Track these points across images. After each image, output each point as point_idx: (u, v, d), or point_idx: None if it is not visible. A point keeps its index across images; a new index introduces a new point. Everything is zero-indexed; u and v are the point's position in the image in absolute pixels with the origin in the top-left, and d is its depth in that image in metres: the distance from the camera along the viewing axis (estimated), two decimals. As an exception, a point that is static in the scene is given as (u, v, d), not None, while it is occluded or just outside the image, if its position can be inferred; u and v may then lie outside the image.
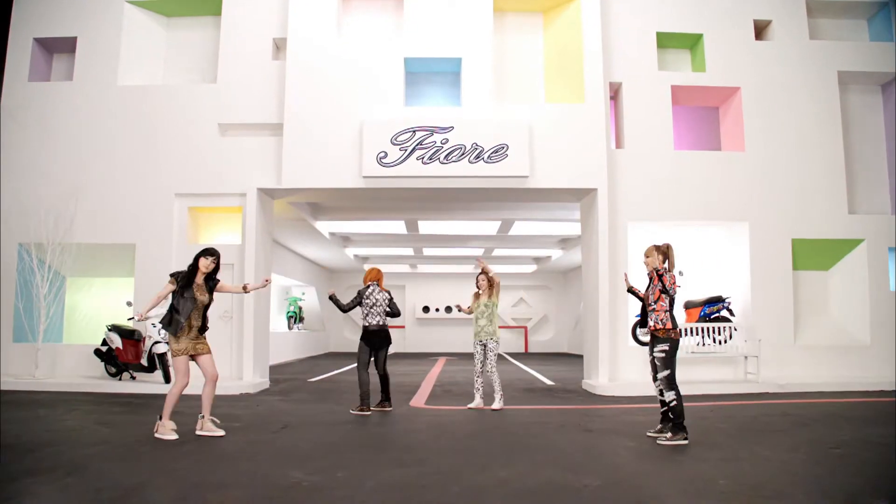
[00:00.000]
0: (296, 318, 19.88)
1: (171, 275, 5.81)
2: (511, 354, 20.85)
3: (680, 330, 5.75)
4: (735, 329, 9.71)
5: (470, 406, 7.72)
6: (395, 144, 9.41)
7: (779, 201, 10.16)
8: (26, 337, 9.63)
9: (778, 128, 10.32)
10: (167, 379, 9.02)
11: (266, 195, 10.12)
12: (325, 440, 5.60)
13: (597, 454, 5.12)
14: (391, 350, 7.99)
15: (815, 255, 10.36)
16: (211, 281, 5.87)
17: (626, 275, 6.54)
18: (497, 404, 7.60)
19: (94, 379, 9.47)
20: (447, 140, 9.43)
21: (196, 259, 5.82)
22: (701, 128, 11.28)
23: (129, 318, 9.48)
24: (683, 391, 8.76)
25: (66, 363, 9.86)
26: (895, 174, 10.57)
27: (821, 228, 10.18)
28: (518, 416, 7.10)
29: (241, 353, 9.56)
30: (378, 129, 9.46)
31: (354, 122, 9.64)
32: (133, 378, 9.48)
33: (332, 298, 7.57)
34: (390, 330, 7.60)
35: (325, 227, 14.59)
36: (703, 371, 9.81)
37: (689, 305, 10.23)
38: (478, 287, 7.78)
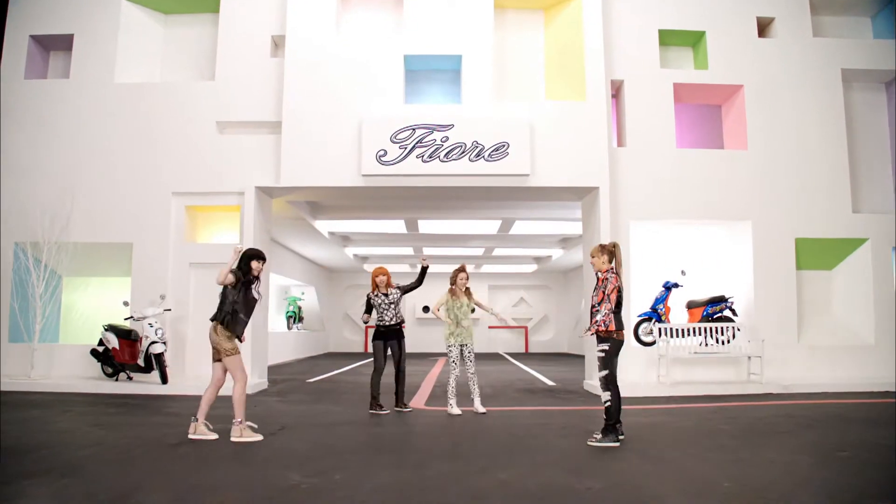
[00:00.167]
0: (295, 317, 19.80)
1: (233, 270, 5.57)
2: (511, 354, 20.77)
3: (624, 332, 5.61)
4: (738, 329, 9.62)
5: (452, 413, 7.11)
6: (394, 142, 9.32)
7: (782, 200, 10.07)
8: (22, 337, 9.53)
9: (781, 126, 10.23)
10: (164, 380, 8.92)
11: (264, 194, 10.03)
12: (323, 442, 5.52)
13: (599, 456, 5.04)
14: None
15: (818, 254, 10.27)
16: (256, 282, 5.80)
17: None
18: (480, 408, 7.26)
19: (90, 379, 9.38)
20: (447, 138, 9.34)
21: (248, 262, 5.65)
22: (703, 126, 11.18)
23: (126, 318, 9.39)
24: (686, 391, 8.80)
25: (62, 363, 9.76)
26: (899, 173, 10.50)
27: (824, 227, 10.09)
28: (519, 418, 7.01)
29: (238, 354, 9.44)
30: (377, 127, 9.36)
31: (353, 120, 9.54)
32: (130, 378, 9.38)
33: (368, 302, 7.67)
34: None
35: (324, 226, 14.50)
36: (705, 371, 9.72)
37: (691, 305, 10.14)
38: (455, 284, 7.27)
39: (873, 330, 9.94)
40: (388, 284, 7.54)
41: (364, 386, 10.10)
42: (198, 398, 8.20)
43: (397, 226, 14.83)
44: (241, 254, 5.69)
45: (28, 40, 10.29)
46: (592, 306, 5.62)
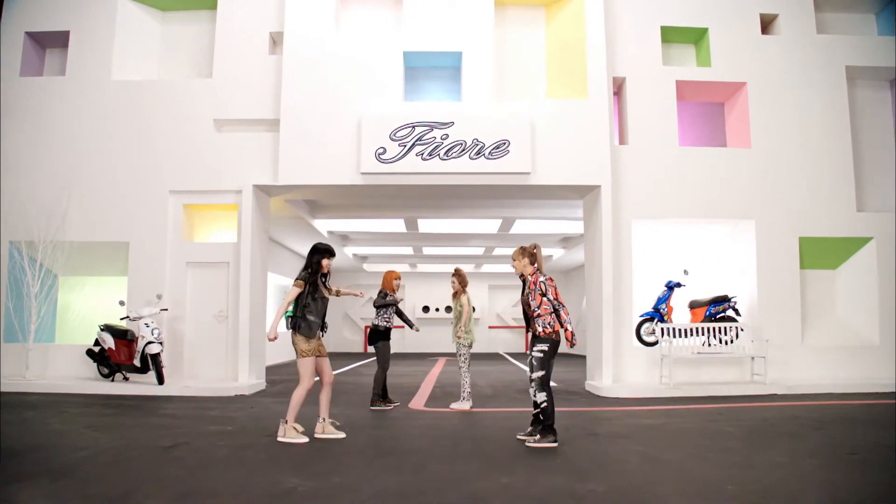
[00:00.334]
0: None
1: (298, 278, 5.57)
2: (511, 354, 20.67)
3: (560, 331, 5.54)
4: (742, 329, 9.51)
5: (464, 409, 7.51)
6: (393, 140, 9.21)
7: (785, 199, 9.96)
8: (17, 337, 9.43)
9: (784, 124, 10.12)
10: (160, 380, 8.81)
11: (262, 192, 9.93)
12: (320, 444, 5.41)
13: (602, 459, 4.95)
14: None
15: (822, 253, 10.16)
16: (325, 278, 5.74)
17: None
18: (458, 403, 7.61)
19: (86, 380, 9.28)
20: (447, 136, 9.23)
21: (317, 259, 5.62)
22: (706, 124, 11.08)
23: (122, 318, 9.28)
24: (689, 392, 8.70)
25: (57, 364, 9.67)
26: (904, 171, 10.39)
27: (828, 226, 9.98)
28: (520, 419, 6.89)
29: (236, 354, 9.36)
30: (376, 125, 9.26)
31: (352, 117, 9.44)
32: (126, 379, 9.28)
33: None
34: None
35: (323, 225, 14.39)
36: (708, 372, 9.62)
37: (694, 305, 10.04)
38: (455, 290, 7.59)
39: (877, 330, 9.83)
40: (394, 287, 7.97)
41: (363, 386, 9.99)
42: (194, 399, 8.19)
43: (397, 225, 14.72)
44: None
45: (24, 37, 10.19)
46: (531, 311, 5.49)
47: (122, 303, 9.45)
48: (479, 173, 9.28)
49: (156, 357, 8.81)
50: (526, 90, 10.17)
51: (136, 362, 8.94)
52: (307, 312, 5.53)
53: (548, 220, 13.90)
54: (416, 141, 9.21)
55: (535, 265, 5.59)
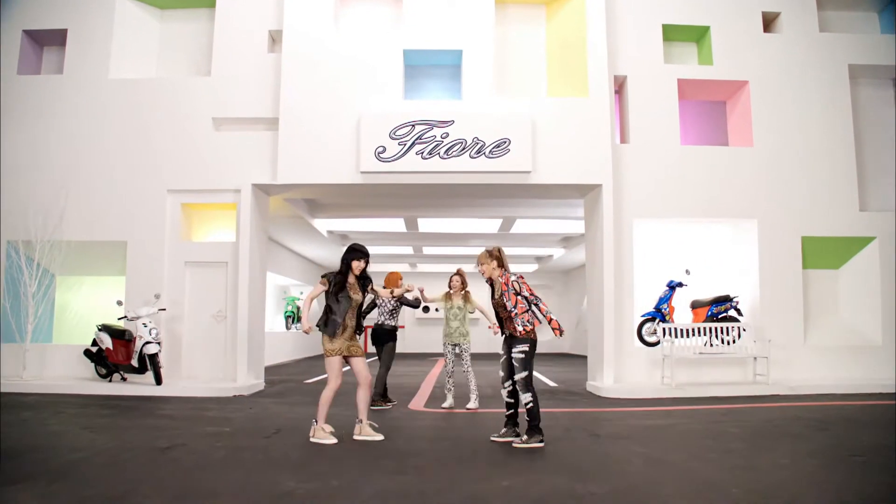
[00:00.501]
0: (294, 318, 19.62)
1: (323, 276, 5.62)
2: (512, 355, 20.56)
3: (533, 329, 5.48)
4: (744, 329, 9.45)
5: (444, 406, 7.66)
6: (393, 139, 9.15)
7: (788, 198, 9.90)
8: (14, 337, 9.36)
9: (787, 123, 10.05)
10: (158, 380, 8.74)
11: (261, 191, 9.86)
12: (318, 446, 5.33)
13: (603, 460, 4.89)
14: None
15: (825, 253, 10.09)
16: (364, 279, 5.68)
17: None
18: (472, 404, 7.63)
19: (83, 380, 9.21)
20: (447, 134, 9.17)
21: (347, 259, 5.58)
22: (707, 123, 11.02)
23: (120, 318, 9.22)
24: (691, 393, 8.63)
25: (55, 364, 9.60)
26: (907, 170, 10.32)
27: (831, 226, 9.92)
28: (522, 421, 6.83)
29: (234, 354, 9.29)
30: (376, 123, 9.19)
31: (352, 116, 9.37)
32: (124, 379, 9.21)
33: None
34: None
35: (322, 224, 14.33)
36: (710, 372, 9.55)
37: (695, 305, 9.97)
38: (451, 287, 7.72)
39: (881, 330, 9.77)
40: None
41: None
42: (192, 399, 8.13)
43: (397, 224, 14.66)
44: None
45: (21, 35, 10.12)
46: (508, 312, 5.43)
47: (119, 302, 9.39)
48: (480, 172, 9.22)
49: (153, 357, 8.74)
50: (526, 88, 10.11)
51: (134, 362, 8.87)
52: (329, 311, 5.53)
53: (548, 220, 13.84)
54: (416, 139, 9.15)
55: (502, 267, 5.55)
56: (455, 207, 12.70)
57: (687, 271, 9.91)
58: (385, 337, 7.86)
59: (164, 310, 9.34)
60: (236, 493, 3.91)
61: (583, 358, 14.44)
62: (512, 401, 5.56)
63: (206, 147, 9.68)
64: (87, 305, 10.41)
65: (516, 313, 5.39)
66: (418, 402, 8.25)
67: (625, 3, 10.07)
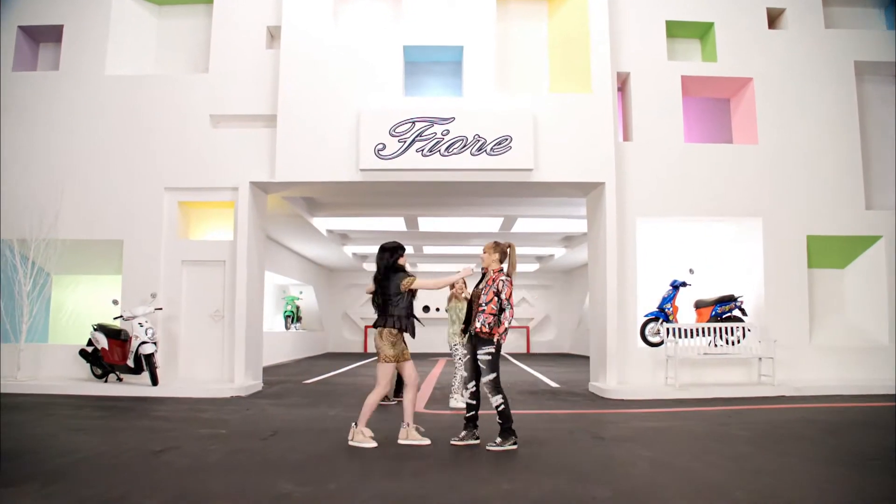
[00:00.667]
0: (293, 317, 19.52)
1: (407, 273, 5.48)
2: (512, 355, 20.48)
3: (505, 332, 5.36)
4: (748, 330, 9.31)
5: (451, 407, 7.71)
6: (393, 136, 9.02)
7: (793, 196, 9.76)
8: (8, 337, 9.24)
9: (792, 120, 9.92)
10: (154, 381, 8.61)
11: (259, 189, 9.73)
12: (316, 448, 5.22)
13: (607, 463, 4.79)
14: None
15: (830, 252, 9.96)
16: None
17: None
18: (453, 402, 7.84)
19: (78, 381, 9.08)
20: (448, 131, 9.03)
21: (396, 257, 5.45)
22: (711, 120, 10.88)
23: (116, 318, 9.09)
24: (696, 394, 8.49)
25: (50, 364, 9.48)
26: (914, 168, 10.18)
27: (836, 225, 9.78)
28: (523, 422, 6.69)
29: (232, 354, 9.17)
30: (376, 120, 9.06)
31: (351, 113, 9.24)
32: (120, 380, 9.09)
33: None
34: None
35: (321, 223, 14.21)
36: (715, 373, 9.42)
37: (699, 305, 9.84)
38: (452, 287, 7.76)
39: (887, 330, 9.62)
40: None
41: (362, 387, 9.83)
42: (189, 400, 8.00)
43: (397, 223, 14.53)
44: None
45: (17, 31, 10.00)
46: (477, 304, 5.36)
47: (115, 302, 9.26)
48: (481, 170, 9.09)
49: (150, 357, 8.61)
50: (528, 85, 9.97)
51: (130, 363, 8.74)
52: (409, 313, 5.41)
53: (550, 219, 13.71)
54: (417, 137, 9.02)
55: (504, 264, 5.46)
56: (455, 206, 12.58)
57: (691, 270, 9.79)
58: None
59: (161, 309, 9.22)
60: (233, 496, 3.81)
61: (584, 358, 14.31)
62: (473, 402, 5.45)
63: (204, 144, 9.55)
64: (83, 305, 10.29)
65: (484, 310, 5.29)
66: (418, 404, 8.11)
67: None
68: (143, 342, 8.58)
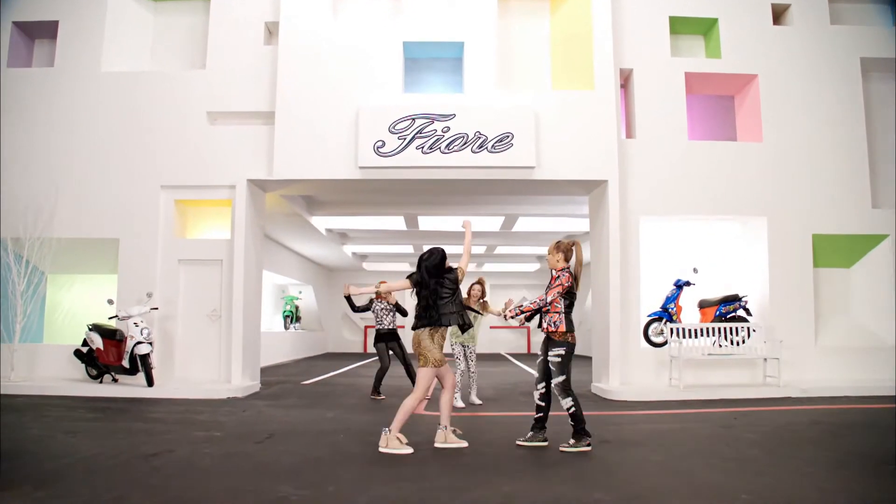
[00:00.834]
0: (292, 317, 19.39)
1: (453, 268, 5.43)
2: (513, 355, 20.35)
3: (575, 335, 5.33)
4: (753, 330, 9.18)
5: (456, 406, 7.67)
6: (393, 133, 8.88)
7: (798, 195, 9.63)
8: (2, 337, 9.09)
9: (797, 117, 9.78)
10: (149, 382, 8.47)
11: (257, 187, 9.60)
12: (313, 451, 5.08)
13: (611, 466, 4.68)
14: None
15: (836, 251, 9.82)
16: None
17: (508, 303, 5.72)
18: (474, 398, 8.05)
19: (73, 381, 8.94)
20: (448, 128, 8.90)
21: (444, 261, 5.40)
22: (715, 117, 10.74)
23: (111, 317, 8.96)
24: (700, 395, 8.35)
25: (45, 364, 9.35)
26: (921, 166, 10.03)
27: (842, 223, 9.65)
28: (525, 424, 6.56)
29: (229, 355, 9.03)
30: (375, 117, 8.93)
31: (350, 109, 9.11)
32: (115, 381, 8.95)
33: (348, 298, 7.98)
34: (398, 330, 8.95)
35: (321, 222, 14.07)
36: (719, 374, 9.28)
37: (703, 304, 9.70)
38: (469, 295, 7.89)
39: (893, 331, 9.48)
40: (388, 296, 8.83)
41: (362, 388, 9.71)
42: (184, 401, 7.86)
43: (397, 222, 14.40)
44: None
45: (11, 27, 9.88)
46: (545, 305, 5.31)
47: (110, 301, 9.13)
48: (482, 167, 8.96)
49: (145, 358, 8.47)
50: (530, 81, 9.85)
51: (125, 363, 8.60)
52: (463, 315, 5.36)
53: (552, 218, 13.57)
54: (417, 134, 8.88)
55: (569, 263, 5.37)
56: (456, 205, 12.45)
57: (695, 270, 9.65)
58: (389, 337, 8.79)
59: (157, 309, 9.08)
60: (226, 500, 3.70)
61: (584, 358, 14.15)
62: (543, 404, 5.36)
63: (201, 142, 9.43)
64: (78, 304, 10.16)
65: (549, 309, 5.26)
66: (418, 406, 7.95)
67: (631, -5, 9.81)
68: (139, 342, 8.45)
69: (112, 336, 8.76)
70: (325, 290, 22.50)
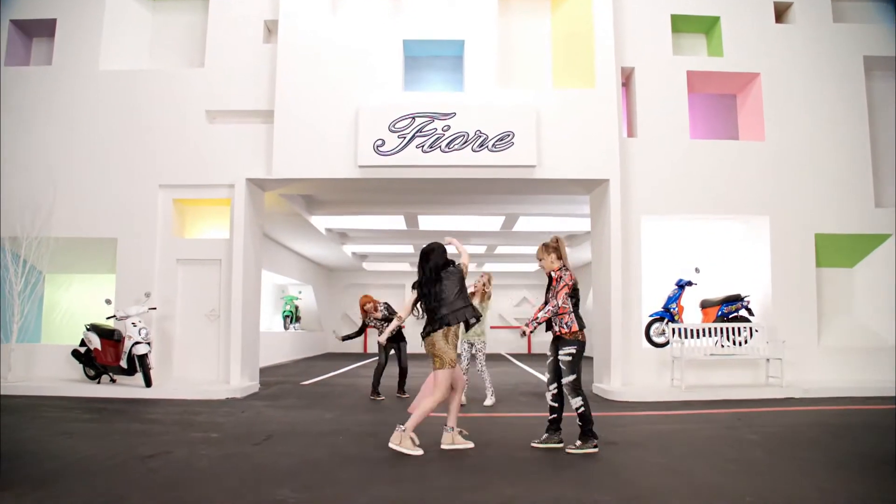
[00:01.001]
0: (292, 317, 19.32)
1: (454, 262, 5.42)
2: (514, 355, 20.28)
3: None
4: (756, 330, 9.11)
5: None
6: (392, 132, 8.82)
7: (801, 194, 9.56)
8: (-1, 337, 9.04)
9: (799, 116, 9.72)
10: (147, 382, 8.41)
11: (256, 186, 9.54)
12: (312, 452, 5.03)
13: (613, 468, 4.61)
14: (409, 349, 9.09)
15: (839, 251, 9.76)
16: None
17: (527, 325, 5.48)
18: (489, 401, 7.98)
19: (71, 382, 8.88)
20: (449, 127, 8.83)
21: (444, 254, 5.36)
22: (717, 116, 10.68)
23: (109, 317, 8.90)
24: (703, 396, 8.28)
25: (42, 365, 9.30)
26: (924, 165, 9.96)
27: (845, 223, 9.58)
28: (526, 426, 6.51)
29: (228, 355, 8.97)
30: (375, 116, 8.87)
31: (350, 108, 9.05)
32: (113, 381, 8.89)
33: (345, 338, 9.19)
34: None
35: (320, 222, 14.00)
36: (721, 375, 9.21)
37: (705, 304, 9.64)
38: (475, 287, 7.87)
39: (896, 331, 9.43)
40: (375, 307, 8.94)
41: (361, 388, 9.65)
42: (183, 402, 7.80)
43: (397, 222, 14.33)
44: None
45: (9, 26, 9.83)
46: (557, 308, 5.20)
47: (108, 301, 9.06)
48: (482, 166, 8.89)
49: (143, 358, 8.41)
50: (531, 80, 9.78)
51: (123, 363, 8.53)
52: (477, 315, 5.32)
53: (553, 217, 13.51)
54: (417, 132, 8.82)
55: (562, 260, 5.31)
56: (456, 204, 12.40)
57: (697, 269, 9.59)
58: (397, 336, 8.74)
59: (155, 308, 9.02)
60: (228, 501, 3.67)
61: (587, 359, 14.14)
62: (556, 405, 5.29)
63: (200, 141, 9.37)
64: (76, 304, 10.09)
65: (556, 312, 5.18)
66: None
67: (632, -8, 9.75)
68: (137, 342, 8.38)
69: (110, 336, 8.69)
70: (324, 290, 22.43)
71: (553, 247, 5.31)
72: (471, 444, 5.23)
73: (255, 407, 7.65)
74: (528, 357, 19.79)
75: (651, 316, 9.39)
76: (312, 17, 9.33)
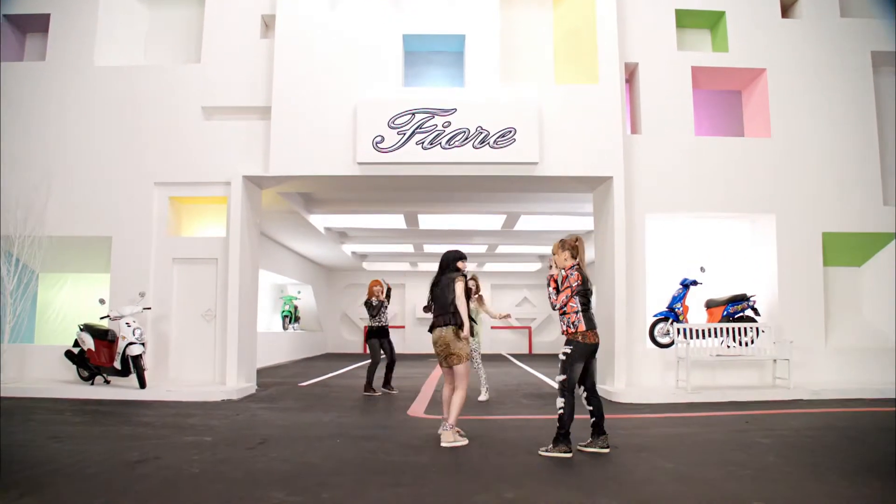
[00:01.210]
0: (291, 317, 19.15)
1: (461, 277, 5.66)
2: (515, 356, 20.11)
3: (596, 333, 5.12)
4: (762, 330, 8.94)
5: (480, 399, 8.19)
6: (392, 128, 8.65)
7: (808, 192, 9.39)
8: (-9, 337, 8.87)
9: (806, 112, 9.55)
10: (142, 384, 8.25)
11: (253, 184, 9.38)
12: (308, 456, 4.86)
13: (618, 472, 4.47)
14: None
15: (846, 249, 9.59)
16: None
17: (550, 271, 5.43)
18: (483, 396, 8.31)
19: (64, 383, 8.71)
20: (449, 123, 8.67)
21: (455, 263, 5.68)
22: (722, 113, 10.51)
23: (103, 317, 8.73)
24: (708, 397, 8.11)
25: (35, 366, 9.13)
26: (933, 163, 9.79)
27: (853, 221, 9.41)
28: (528, 428, 6.35)
29: (224, 356, 8.80)
30: (374, 112, 8.70)
31: (348, 104, 8.89)
32: (107, 382, 8.73)
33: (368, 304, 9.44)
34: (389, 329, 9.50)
35: (319, 220, 13.84)
36: (727, 376, 9.04)
37: (710, 304, 9.47)
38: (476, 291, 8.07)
39: (905, 331, 9.25)
40: (382, 291, 9.34)
41: (360, 389, 9.48)
42: (177, 404, 7.63)
43: (397, 221, 14.17)
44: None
45: (2, 21, 9.67)
46: (559, 308, 5.13)
47: (102, 301, 8.90)
48: (484, 163, 8.73)
49: (137, 359, 8.24)
50: (533, 75, 9.60)
51: (117, 364, 8.37)
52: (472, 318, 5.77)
53: (555, 216, 13.34)
54: (417, 129, 8.65)
55: (577, 259, 5.17)
56: (457, 202, 12.23)
57: (702, 269, 9.42)
58: (383, 332, 9.26)
59: (150, 308, 8.86)
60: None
61: (589, 359, 13.99)
62: (591, 408, 5.14)
63: (196, 137, 9.21)
64: (70, 304, 9.93)
65: (565, 311, 5.07)
66: (418, 409, 7.73)
67: (636, -13, 9.57)
68: (131, 343, 8.21)
69: (104, 336, 8.52)
70: (324, 290, 22.28)
71: (571, 245, 5.18)
72: (465, 441, 5.37)
73: (250, 409, 7.48)
74: (529, 357, 19.62)
75: (655, 316, 9.23)
76: (310, 12, 9.17)
